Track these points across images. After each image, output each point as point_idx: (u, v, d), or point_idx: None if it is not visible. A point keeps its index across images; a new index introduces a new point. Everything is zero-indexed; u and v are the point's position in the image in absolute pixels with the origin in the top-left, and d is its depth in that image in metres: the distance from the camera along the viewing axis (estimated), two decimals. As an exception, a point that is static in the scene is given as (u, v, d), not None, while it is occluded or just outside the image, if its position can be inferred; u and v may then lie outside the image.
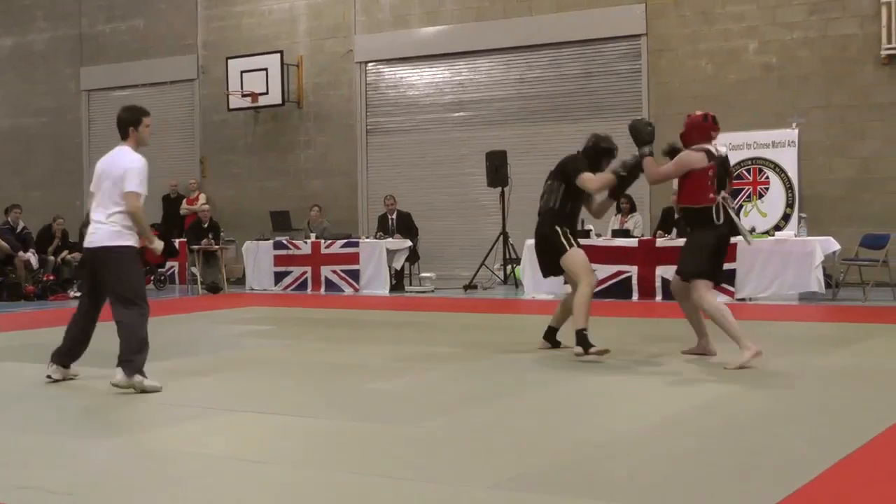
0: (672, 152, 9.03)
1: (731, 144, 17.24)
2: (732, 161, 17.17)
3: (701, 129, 8.92)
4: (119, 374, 7.70)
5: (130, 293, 7.87)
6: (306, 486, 5.19)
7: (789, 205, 16.78)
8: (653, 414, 6.81)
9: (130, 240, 7.93)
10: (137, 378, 7.70)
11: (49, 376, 8.27)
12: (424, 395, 7.56)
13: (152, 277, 19.77)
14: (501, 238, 18.26)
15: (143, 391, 7.67)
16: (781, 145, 17.02)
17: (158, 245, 8.36)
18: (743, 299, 14.67)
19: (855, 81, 17.14)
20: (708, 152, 8.80)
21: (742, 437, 6.10)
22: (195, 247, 18.91)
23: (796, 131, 16.90)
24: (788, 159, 16.90)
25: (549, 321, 10.02)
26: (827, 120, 17.27)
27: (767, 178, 17.03)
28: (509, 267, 18.33)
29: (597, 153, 9.66)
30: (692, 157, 8.76)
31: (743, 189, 17.10)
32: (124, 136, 8.08)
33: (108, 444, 6.20)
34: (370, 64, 21.69)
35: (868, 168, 16.99)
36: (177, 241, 20.17)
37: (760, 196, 17.06)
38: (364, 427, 6.52)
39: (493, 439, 6.18)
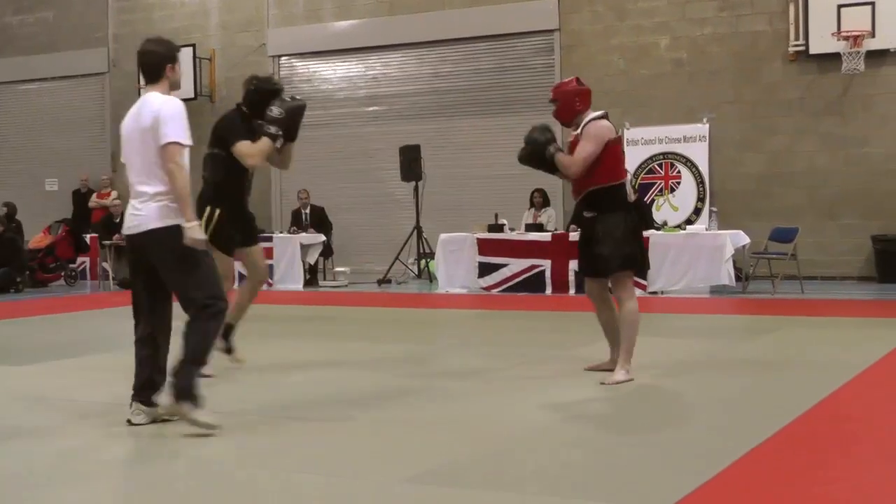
0: None
1: (643, 139, 17.50)
2: (645, 156, 17.59)
3: (585, 95, 7.63)
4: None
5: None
6: (219, 483, 5.15)
7: (700, 199, 17.00)
8: (564, 408, 6.85)
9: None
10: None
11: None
12: (339, 389, 7.54)
13: (63, 273, 19.48)
14: (415, 232, 18.26)
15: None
16: (692, 140, 17.23)
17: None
18: (655, 292, 14.83)
19: (764, 77, 17.39)
20: (606, 116, 7.71)
21: (649, 429, 6.17)
22: (107, 242, 18.66)
23: (707, 126, 17.12)
24: (699, 154, 17.12)
25: (460, 315, 9.85)
26: (737, 115, 17.50)
27: (679, 172, 17.23)
28: (423, 261, 18.34)
29: (262, 99, 8.09)
30: (603, 127, 7.53)
31: (655, 183, 17.29)
32: (154, 79, 6.31)
33: (13, 444, 6.09)
34: (283, 58, 21.55)
35: (777, 163, 17.25)
36: (87, 237, 19.92)
37: (672, 190, 17.26)
38: (278, 423, 6.49)
39: (407, 433, 6.18)
